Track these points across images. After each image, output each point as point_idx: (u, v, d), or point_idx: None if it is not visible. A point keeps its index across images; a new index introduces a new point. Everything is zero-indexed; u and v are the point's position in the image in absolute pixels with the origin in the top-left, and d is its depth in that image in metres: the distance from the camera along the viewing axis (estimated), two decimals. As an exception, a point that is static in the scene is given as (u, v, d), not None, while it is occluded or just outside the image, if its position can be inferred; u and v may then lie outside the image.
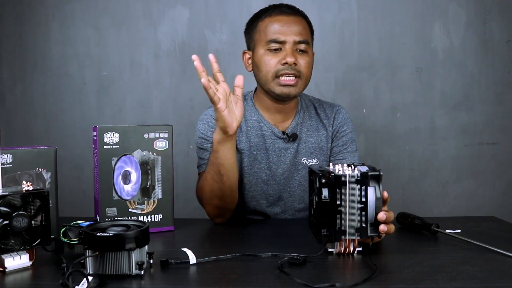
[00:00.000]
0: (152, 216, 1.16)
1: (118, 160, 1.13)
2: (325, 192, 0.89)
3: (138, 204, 1.15)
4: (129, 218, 1.13)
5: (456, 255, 0.95)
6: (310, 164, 1.38)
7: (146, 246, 0.85)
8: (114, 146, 1.12)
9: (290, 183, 1.39)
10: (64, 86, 1.99)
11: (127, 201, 1.14)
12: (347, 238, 0.91)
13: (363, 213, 0.90)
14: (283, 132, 1.37)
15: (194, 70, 1.99)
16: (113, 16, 1.96)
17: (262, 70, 1.31)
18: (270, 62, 1.29)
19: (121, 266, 0.81)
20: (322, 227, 0.90)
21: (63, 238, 0.93)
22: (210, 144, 1.31)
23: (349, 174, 0.89)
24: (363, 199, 0.90)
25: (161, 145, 1.17)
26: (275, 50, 1.29)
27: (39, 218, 0.87)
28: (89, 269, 0.82)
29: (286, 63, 1.27)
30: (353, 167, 0.92)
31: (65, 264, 0.83)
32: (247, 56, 1.37)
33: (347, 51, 1.95)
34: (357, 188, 0.90)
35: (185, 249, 0.93)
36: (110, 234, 0.81)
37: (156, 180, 1.16)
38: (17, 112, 2.00)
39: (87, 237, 0.82)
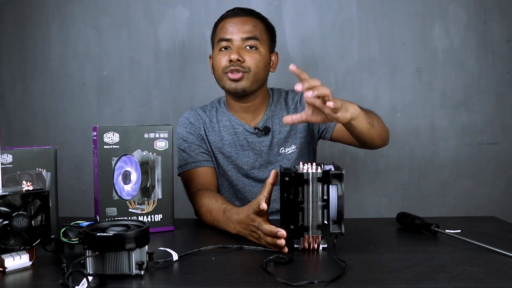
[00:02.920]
0: (152, 216, 1.16)
1: (118, 160, 1.13)
2: (287, 189, 0.93)
3: (138, 204, 1.15)
4: (129, 218, 1.13)
5: (456, 255, 0.95)
6: (289, 152, 1.43)
7: (146, 246, 0.85)
8: (114, 146, 1.13)
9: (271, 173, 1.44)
10: (64, 86, 1.99)
11: (127, 201, 1.14)
12: (310, 235, 0.94)
13: (325, 210, 0.92)
14: (255, 128, 1.42)
15: (194, 70, 1.98)
16: (113, 16, 1.96)
17: (215, 69, 1.40)
18: (221, 61, 1.37)
19: (121, 266, 0.81)
20: (286, 223, 0.93)
21: (63, 238, 0.93)
22: (187, 144, 1.41)
23: (311, 173, 0.93)
24: (325, 197, 0.92)
25: (161, 145, 1.17)
26: (225, 48, 1.37)
27: (39, 218, 0.87)
28: (89, 269, 0.82)
29: (231, 60, 1.34)
30: (322, 166, 0.96)
31: (65, 264, 0.83)
32: (211, 60, 1.45)
33: (347, 51, 1.95)
34: (319, 186, 0.93)
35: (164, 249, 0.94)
36: (110, 234, 0.81)
37: (156, 180, 1.16)
38: (17, 112, 2.00)
39: (87, 237, 0.82)
